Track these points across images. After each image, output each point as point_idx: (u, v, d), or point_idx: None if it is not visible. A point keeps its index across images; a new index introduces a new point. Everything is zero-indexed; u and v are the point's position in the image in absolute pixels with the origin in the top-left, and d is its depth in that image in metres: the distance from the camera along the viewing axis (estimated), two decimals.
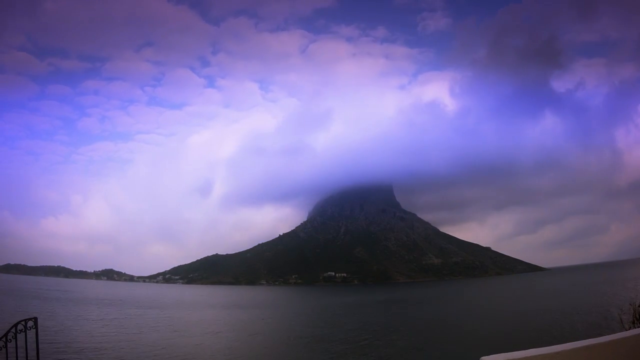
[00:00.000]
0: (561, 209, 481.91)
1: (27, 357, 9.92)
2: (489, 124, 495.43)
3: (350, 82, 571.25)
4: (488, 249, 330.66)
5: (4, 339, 9.56)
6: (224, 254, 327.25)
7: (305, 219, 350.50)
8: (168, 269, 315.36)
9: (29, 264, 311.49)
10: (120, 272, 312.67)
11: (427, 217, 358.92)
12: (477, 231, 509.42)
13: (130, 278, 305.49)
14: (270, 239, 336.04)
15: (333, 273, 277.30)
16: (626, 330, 10.10)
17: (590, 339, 6.29)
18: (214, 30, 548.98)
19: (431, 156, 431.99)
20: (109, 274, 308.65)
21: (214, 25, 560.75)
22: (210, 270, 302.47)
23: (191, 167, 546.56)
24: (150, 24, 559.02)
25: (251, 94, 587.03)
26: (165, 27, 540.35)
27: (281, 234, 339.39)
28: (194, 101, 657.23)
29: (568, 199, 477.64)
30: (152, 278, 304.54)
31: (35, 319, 10.12)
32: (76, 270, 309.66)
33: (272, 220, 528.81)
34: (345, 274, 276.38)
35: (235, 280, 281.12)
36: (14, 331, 9.62)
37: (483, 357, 5.21)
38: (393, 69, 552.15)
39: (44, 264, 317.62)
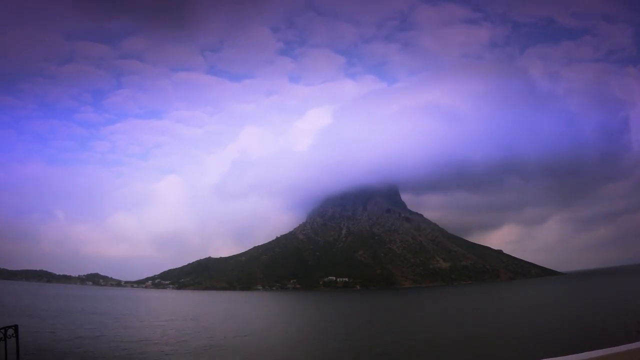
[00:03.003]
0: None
1: None
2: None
3: (454, 53, 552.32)
4: (500, 252, 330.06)
5: None
6: (217, 257, 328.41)
7: (304, 220, 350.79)
8: (157, 273, 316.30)
9: (8, 268, 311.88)
10: (107, 277, 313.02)
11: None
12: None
13: (117, 283, 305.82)
14: (267, 241, 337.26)
15: (334, 277, 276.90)
16: None
17: (605, 349, 6.32)
18: None
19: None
20: (95, 279, 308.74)
21: None
22: (203, 275, 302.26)
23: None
24: None
25: (330, 65, 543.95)
26: None
27: (278, 235, 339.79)
28: (258, 72, 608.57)
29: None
30: (141, 283, 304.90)
31: (15, 327, 10.15)
32: (59, 275, 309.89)
33: (270, 221, 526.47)
34: (347, 279, 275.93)
35: (230, 285, 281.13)
36: None
37: None
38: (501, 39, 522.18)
39: (25, 268, 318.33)
